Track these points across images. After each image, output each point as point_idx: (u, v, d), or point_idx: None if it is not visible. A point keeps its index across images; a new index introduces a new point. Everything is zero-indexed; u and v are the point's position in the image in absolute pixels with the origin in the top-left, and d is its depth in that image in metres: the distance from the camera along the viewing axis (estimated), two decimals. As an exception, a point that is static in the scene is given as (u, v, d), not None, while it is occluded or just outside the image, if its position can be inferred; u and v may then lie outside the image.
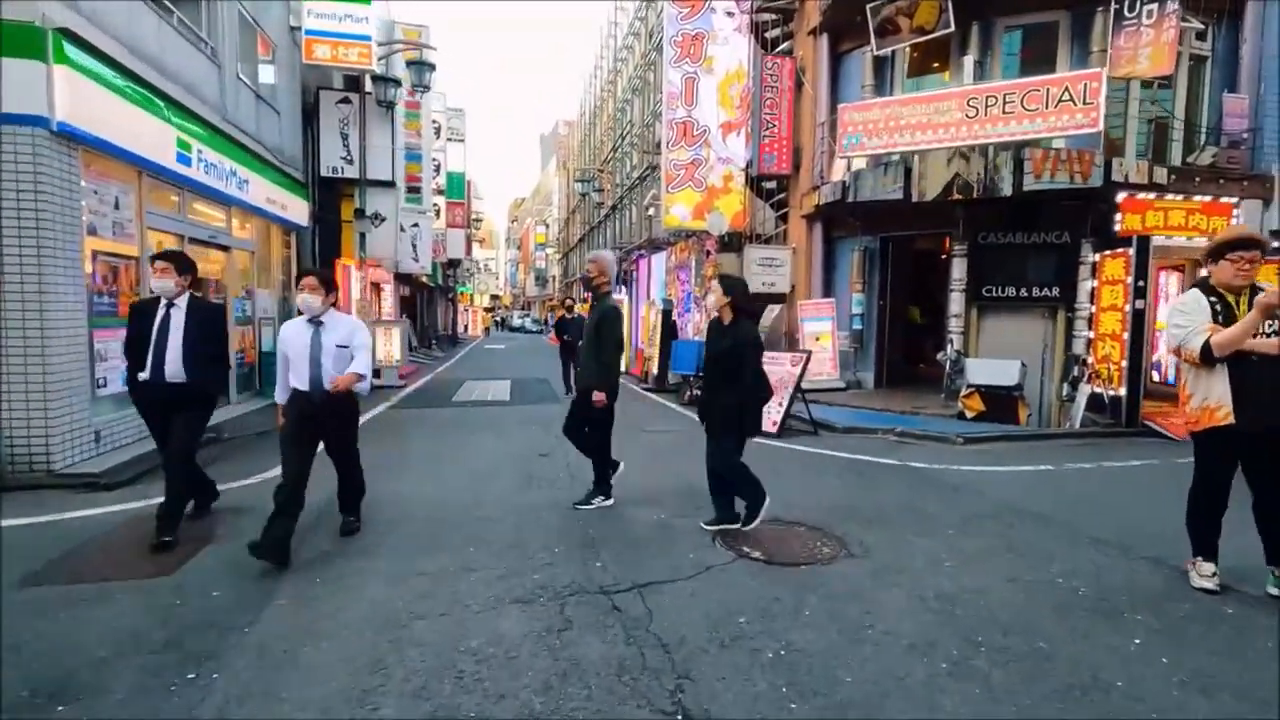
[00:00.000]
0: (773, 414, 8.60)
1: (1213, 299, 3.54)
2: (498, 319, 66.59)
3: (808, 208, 12.33)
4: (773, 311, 12.77)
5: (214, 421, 8.98)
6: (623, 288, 23.17)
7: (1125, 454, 7.67)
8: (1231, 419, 3.47)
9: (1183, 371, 3.73)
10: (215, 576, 3.70)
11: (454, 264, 38.65)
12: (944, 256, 14.42)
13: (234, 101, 9.74)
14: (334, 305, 4.29)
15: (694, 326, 16.92)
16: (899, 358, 12.82)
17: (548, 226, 63.34)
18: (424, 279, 25.99)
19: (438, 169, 27.90)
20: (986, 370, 9.37)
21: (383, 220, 14.45)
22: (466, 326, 50.80)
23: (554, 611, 3.32)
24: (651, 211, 16.36)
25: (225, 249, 9.69)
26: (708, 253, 15.91)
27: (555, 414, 9.81)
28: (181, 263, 4.51)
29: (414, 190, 21.37)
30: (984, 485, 6.07)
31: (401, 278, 22.87)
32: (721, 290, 4.64)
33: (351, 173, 13.76)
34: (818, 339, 11.94)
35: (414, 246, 21.30)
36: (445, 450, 7.17)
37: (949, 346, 10.35)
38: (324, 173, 13.76)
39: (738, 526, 4.64)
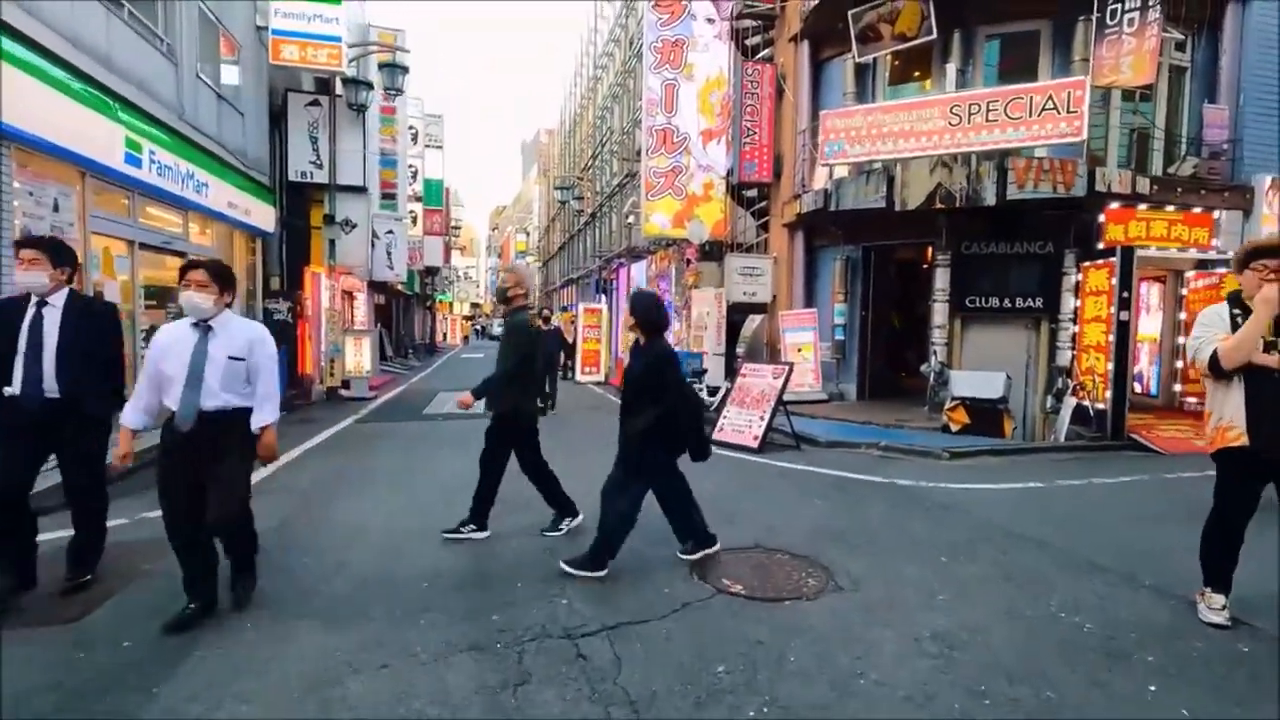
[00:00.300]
0: (754, 428, 8.32)
1: (1235, 311, 3.30)
2: (478, 327, 65.93)
3: (789, 216, 12.13)
4: (754, 321, 12.54)
5: (152, 442, 8.58)
6: (602, 296, 22.87)
7: (1114, 469, 7.49)
8: (1244, 440, 3.23)
9: (1206, 389, 3.49)
10: (130, 622, 3.29)
11: (432, 272, 38.09)
12: (926, 266, 14.31)
13: (193, 101, 9.31)
14: (228, 306, 3.47)
15: (674, 336, 16.65)
16: (881, 368, 12.63)
17: (528, 235, 62.92)
18: (399, 287, 25.46)
19: (414, 175, 27.46)
20: (971, 383, 9.18)
21: (354, 227, 14.02)
22: (445, 335, 50.14)
23: (511, 661, 2.97)
24: (631, 219, 16.12)
25: (182, 255, 9.21)
26: (688, 261, 15.67)
27: (544, 429, 9.47)
28: (58, 252, 3.66)
29: (389, 197, 20.92)
30: (973, 504, 5.82)
31: (376, 286, 22.37)
32: (628, 311, 4.31)
33: (321, 177, 13.32)
34: (800, 350, 11.71)
35: (389, 254, 20.82)
36: (409, 469, 6.77)
37: (933, 358, 10.16)
38: (292, 177, 13.30)
39: (715, 550, 4.33)
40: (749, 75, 12.20)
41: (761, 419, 8.32)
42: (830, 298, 11.85)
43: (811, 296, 12.38)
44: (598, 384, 17.79)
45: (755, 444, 8.13)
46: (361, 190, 14.03)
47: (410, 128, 27.41)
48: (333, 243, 13.19)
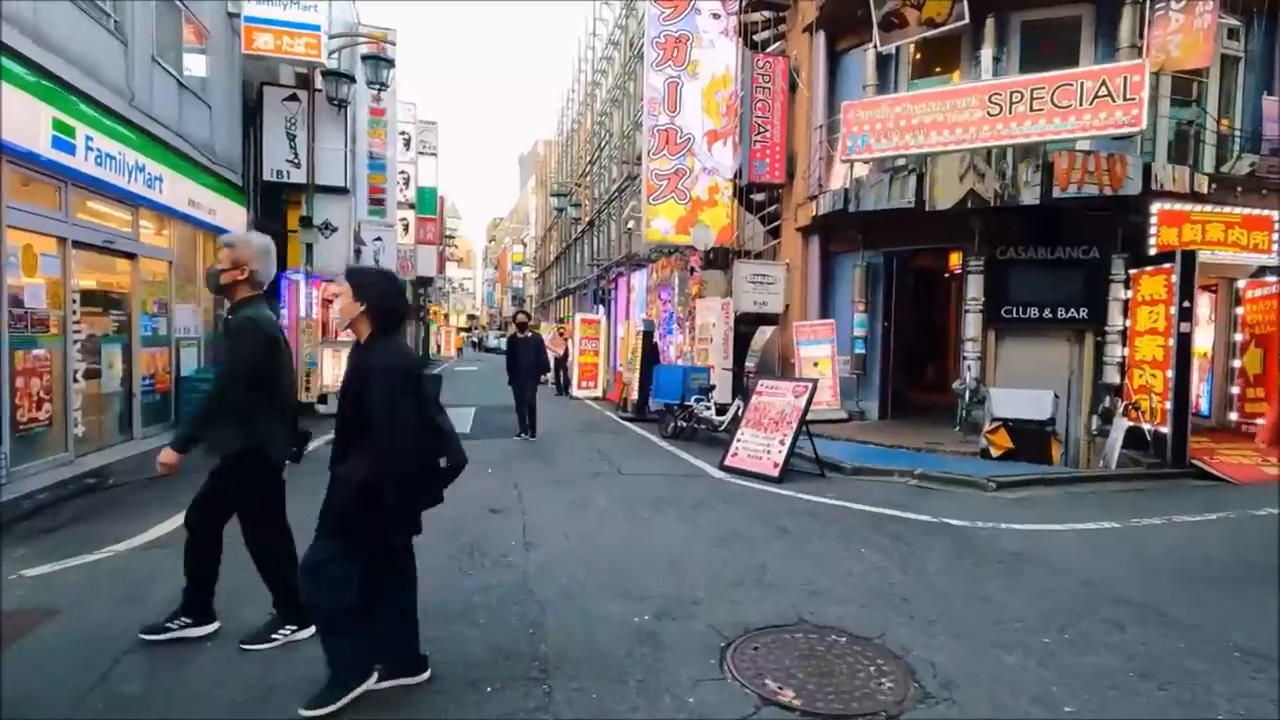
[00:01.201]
0: (774, 453, 7.32)
1: None
2: (474, 339, 64.95)
3: (804, 219, 11.21)
4: (765, 334, 11.57)
5: (103, 462, 7.57)
6: (600, 307, 21.92)
7: (1188, 503, 6.50)
8: None
9: None
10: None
11: (426, 282, 37.16)
12: (948, 275, 13.39)
13: (146, 87, 8.35)
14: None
15: (676, 349, 15.69)
16: (903, 385, 11.66)
17: (525, 246, 62.14)
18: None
19: (406, 181, 26.56)
20: (1015, 402, 8.20)
21: (334, 230, 13.06)
22: (440, 347, 49.12)
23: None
24: (631, 225, 15.22)
25: (130, 257, 8.23)
26: (691, 270, 14.73)
27: (520, 452, 8.44)
28: None
29: (378, 202, 19.97)
30: (1049, 553, 4.82)
31: (364, 295, 21.36)
32: (351, 290, 2.70)
33: (299, 177, 12.37)
34: (816, 364, 10.73)
35: (377, 261, 19.84)
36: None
37: (966, 374, 9.19)
38: (267, 176, 12.36)
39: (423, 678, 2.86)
40: (759, 68, 11.35)
41: (782, 443, 7.32)
42: (849, 308, 10.89)
43: (828, 306, 11.43)
44: (595, 399, 16.78)
45: (776, 472, 7.13)
46: (343, 192, 13.09)
47: (403, 133, 26.52)
48: (310, 247, 12.22)
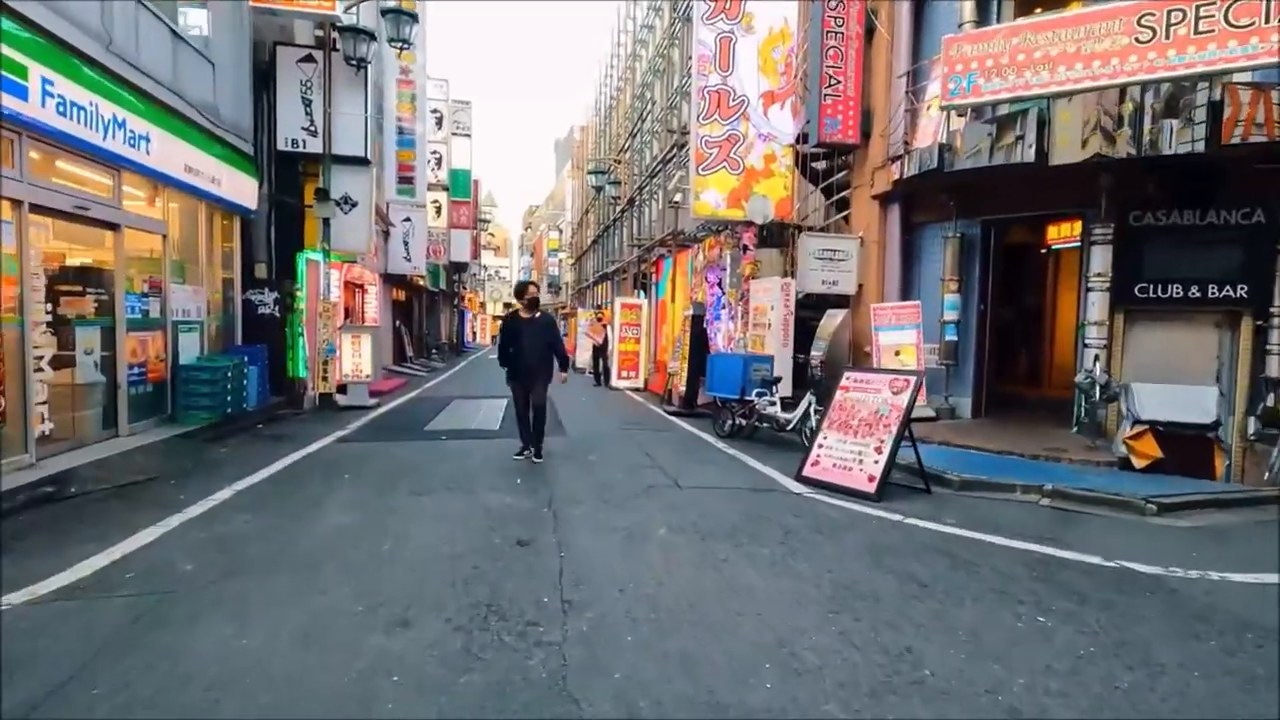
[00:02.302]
0: (868, 464, 5.89)
1: None
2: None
3: (882, 185, 9.65)
4: (834, 318, 10.06)
5: (73, 464, 6.53)
6: (640, 292, 20.55)
7: None
8: None
9: None
10: None
11: (460, 268, 36.33)
12: (1044, 250, 11.65)
13: (130, 33, 7.25)
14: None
15: (725, 337, 14.27)
16: (994, 378, 10.04)
17: (560, 232, 61.03)
18: (420, 281, 23.53)
19: (439, 161, 25.56)
20: (1167, 401, 6.61)
21: (354, 205, 11.95)
22: (475, 334, 48.47)
23: None
24: (679, 198, 13.79)
25: (113, 227, 7.18)
26: (744, 248, 13.26)
27: (557, 455, 7.15)
28: None
29: (407, 180, 18.96)
30: (1311, 626, 3.32)
31: (394, 280, 20.45)
32: None
33: (316, 147, 11.28)
34: (897, 353, 9.21)
35: (405, 244, 18.87)
36: (365, 535, 4.41)
37: (1095, 366, 7.57)
38: (282, 146, 11.30)
39: None
40: (830, 10, 9.78)
41: (879, 451, 5.88)
42: (937, 287, 9.32)
43: (909, 286, 9.87)
44: (636, 390, 15.48)
45: (872, 488, 5.70)
46: (363, 163, 11.97)
47: (434, 110, 25.53)
48: (327, 223, 11.13)
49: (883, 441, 5.93)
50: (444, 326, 33.63)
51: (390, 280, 20.17)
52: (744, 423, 8.91)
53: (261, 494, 5.38)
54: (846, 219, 11.38)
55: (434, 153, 25.38)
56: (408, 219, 18.79)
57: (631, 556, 4.05)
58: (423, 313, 26.65)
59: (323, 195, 11.07)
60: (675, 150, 14.74)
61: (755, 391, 8.77)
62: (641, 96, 22.23)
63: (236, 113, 10.08)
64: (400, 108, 18.64)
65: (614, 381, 15.94)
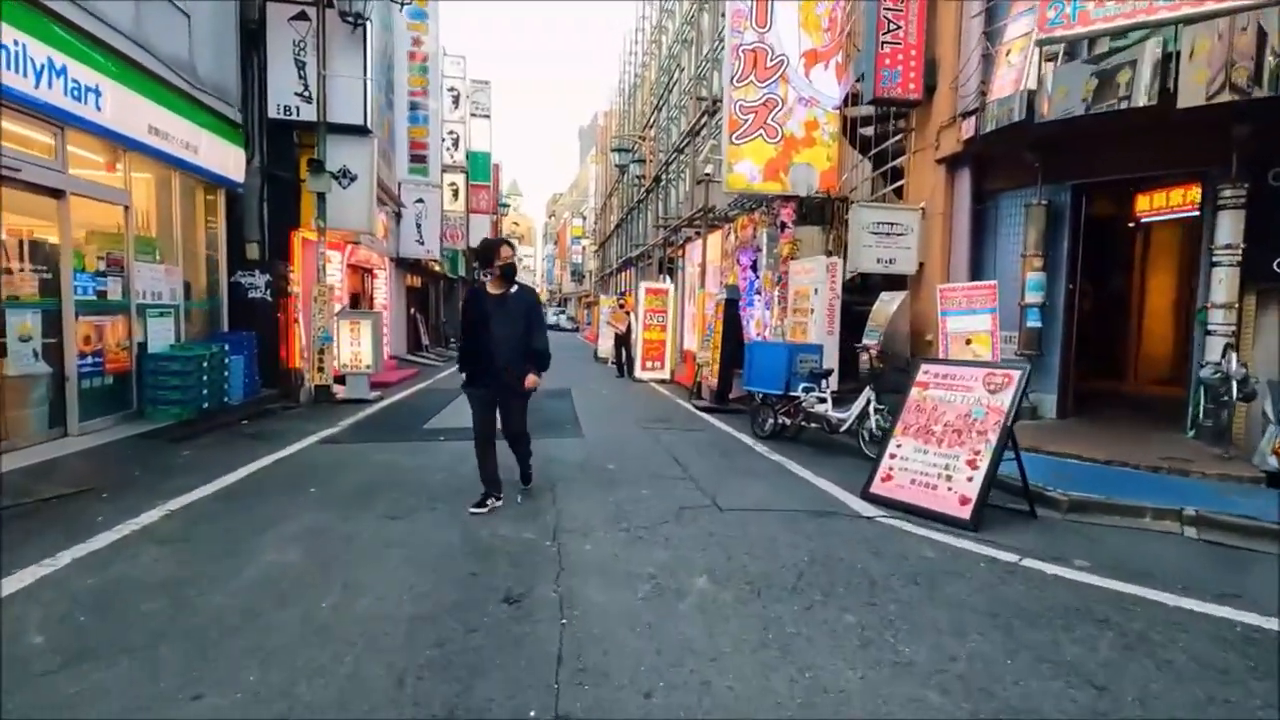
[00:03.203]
0: (958, 481, 4.64)
1: None
2: (532, 316, 63.43)
3: (949, 147, 8.29)
4: (891, 302, 8.75)
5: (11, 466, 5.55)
6: (666, 277, 19.32)
7: None
8: None
9: None
10: None
11: (480, 255, 35.38)
12: (1132, 224, 10.17)
13: (75, -34, 6.21)
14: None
15: (757, 325, 13.03)
16: (1087, 370, 8.65)
17: (584, 219, 59.94)
18: (436, 267, 22.56)
19: (456, 142, 24.51)
20: (1337, 402, 5.22)
21: (353, 179, 10.90)
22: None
23: None
24: (710, 170, 12.52)
25: (56, 194, 6.17)
26: (782, 226, 11.98)
27: (569, 462, 6.00)
28: None
29: (419, 159, 17.93)
30: None
31: (408, 264, 19.50)
32: None
33: (310, 114, 10.23)
34: (969, 342, 7.88)
35: (418, 226, 17.86)
36: (305, 584, 3.21)
37: (1228, 357, 6.18)
38: (273, 113, 10.27)
39: None
40: (889, -55, 8.40)
41: (973, 465, 4.63)
42: (1015, 265, 7.97)
43: (980, 264, 8.52)
44: (661, 382, 14.31)
45: (967, 513, 4.46)
46: (363, 132, 10.90)
47: (451, 89, 24.45)
48: (322, 198, 10.10)
49: (978, 453, 4.67)
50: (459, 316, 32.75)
51: (404, 266, 19.23)
52: (787, 422, 7.69)
53: (198, 516, 4.32)
54: (898, 192, 10.02)
55: (450, 133, 24.34)
56: (420, 200, 17.77)
57: (661, 627, 2.88)
58: (439, 300, 25.73)
59: (317, 167, 10.02)
60: (705, 119, 13.43)
61: (801, 386, 7.54)
62: (667, 70, 20.89)
63: (218, 73, 9.06)
64: (412, 81, 17.58)
65: (638, 373, 14.79)
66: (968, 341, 7.94)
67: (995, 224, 8.37)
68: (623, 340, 15.68)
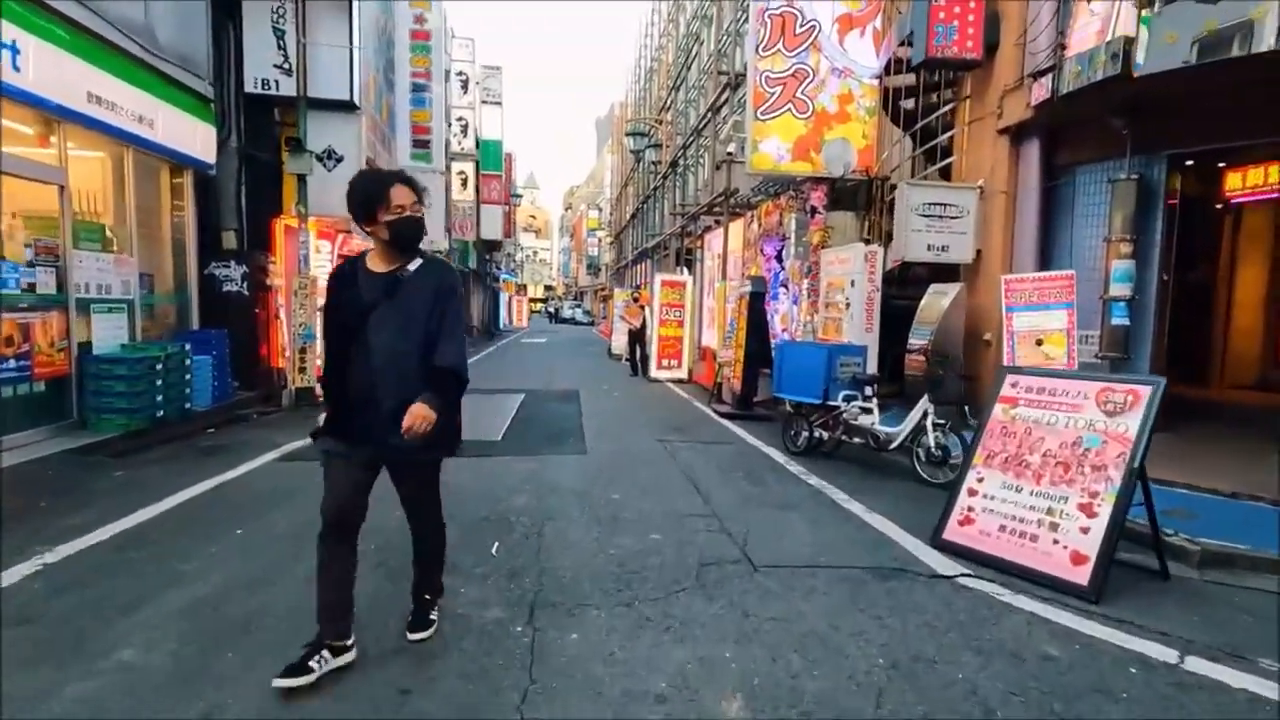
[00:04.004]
0: (1069, 532, 3.52)
1: None
2: (550, 309, 62.71)
3: (1014, 114, 7.09)
4: (944, 296, 7.58)
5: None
6: (684, 269, 18.18)
7: None
8: None
9: None
10: None
11: (493, 246, 34.51)
12: (1221, 205, 8.87)
13: (-16, -102, 5.25)
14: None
15: (782, 320, 11.91)
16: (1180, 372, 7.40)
17: (600, 210, 58.86)
18: (443, 259, 21.60)
19: (465, 129, 23.54)
20: None
21: (339, 161, 9.92)
22: (513, 318, 46.81)
23: None
24: (732, 149, 11.38)
25: (-37, 170, 5.24)
26: (812, 211, 10.81)
27: (566, 490, 4.93)
28: None
29: (422, 145, 16.94)
30: None
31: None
32: None
33: (290, 88, 9.26)
34: (1039, 342, 6.71)
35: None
36: (162, 700, 2.36)
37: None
38: (250, 88, 9.32)
39: None
40: (945, -120, 7.20)
41: (1088, 512, 3.51)
42: (1095, 251, 6.78)
43: (1050, 251, 7.32)
44: (678, 382, 13.23)
45: (1083, 577, 3.35)
46: (350, 108, 9.91)
47: (460, 73, 23.48)
48: (303, 181, 9.14)
49: (1095, 496, 3.54)
50: (476, 309, 31.87)
51: (408, 257, 18.28)
52: (824, 435, 6.58)
53: (71, 579, 3.31)
54: (945, 173, 8.81)
55: (459, 119, 23.39)
56: (424, 187, 16.75)
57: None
58: (449, 294, 24.79)
59: (296, 146, 9.06)
60: (727, 93, 12.26)
61: (842, 395, 6.43)
62: (685, 49, 19.68)
63: (184, 42, 8.10)
64: (415, 61, 16.58)
65: (653, 372, 13.72)
66: (1038, 342, 6.77)
67: (1070, 203, 7.15)
68: (637, 337, 14.62)
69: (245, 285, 9.21)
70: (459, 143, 23.24)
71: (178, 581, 3.26)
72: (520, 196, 44.76)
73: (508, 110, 30.00)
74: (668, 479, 5.49)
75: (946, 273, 8.19)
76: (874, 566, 3.66)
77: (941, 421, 5.67)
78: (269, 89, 9.34)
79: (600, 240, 55.55)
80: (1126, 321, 6.51)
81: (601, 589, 3.25)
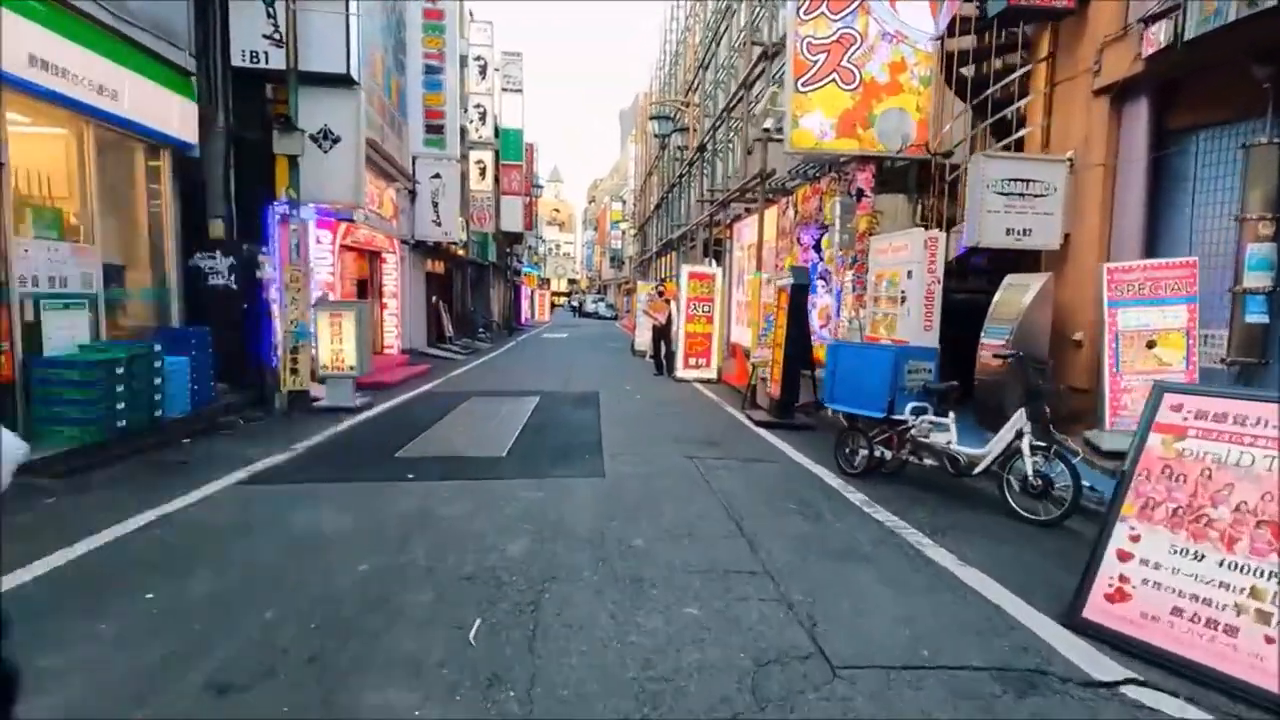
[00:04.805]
0: (1272, 623, 2.42)
1: None
2: (575, 304, 61.99)
3: (1116, 69, 5.91)
4: (1023, 289, 6.43)
5: None
6: (713, 261, 17.09)
7: None
8: None
9: None
10: None
11: (514, 239, 33.69)
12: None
13: None
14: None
15: (821, 315, 10.82)
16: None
17: (624, 203, 57.84)
18: (460, 252, 20.79)
19: (483, 116, 22.66)
20: None
21: (336, 141, 9.05)
22: (534, 312, 46.07)
23: None
24: (769, 124, 10.27)
25: None
26: (859, 195, 9.69)
27: (576, 535, 3.90)
28: None
29: (435, 130, 16.08)
30: None
31: (427, 249, 17.75)
32: None
33: (282, 61, 8.39)
34: (1151, 344, 5.56)
35: (435, 206, 16.04)
36: None
37: None
38: (238, 61, 8.47)
39: None
40: None
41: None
42: (1228, 234, 5.59)
43: (1161, 234, 6.13)
44: (706, 382, 12.19)
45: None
46: (348, 83, 9.02)
47: (478, 58, 22.59)
48: (294, 163, 8.28)
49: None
50: (496, 303, 31.10)
51: (422, 250, 17.48)
52: (886, 454, 5.52)
53: None
54: (1015, 146, 7.60)
55: (478, 106, 22.51)
56: (437, 175, 15.93)
57: None
58: (466, 287, 24.01)
59: (286, 124, 8.20)
60: (763, 64, 11.12)
61: (910, 407, 5.34)
62: (714, 26, 18.49)
63: (160, 8, 7.24)
64: (427, 42, 15.70)
65: (679, 371, 12.70)
66: (1150, 344, 5.62)
67: (1187, 176, 5.95)
68: (662, 333, 13.60)
69: (234, 278, 8.38)
70: (477, 130, 22.38)
71: (22, 693, 2.34)
72: (541, 188, 43.92)
73: (524, 94, 29.06)
74: (703, 514, 4.48)
75: (1012, 262, 7.02)
76: (999, 667, 2.61)
77: (1043, 444, 4.57)
78: (258, 62, 8.49)
79: (624, 232, 54.62)
80: (1265, 319, 5.30)
81: (619, 712, 2.25)
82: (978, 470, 4.89)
